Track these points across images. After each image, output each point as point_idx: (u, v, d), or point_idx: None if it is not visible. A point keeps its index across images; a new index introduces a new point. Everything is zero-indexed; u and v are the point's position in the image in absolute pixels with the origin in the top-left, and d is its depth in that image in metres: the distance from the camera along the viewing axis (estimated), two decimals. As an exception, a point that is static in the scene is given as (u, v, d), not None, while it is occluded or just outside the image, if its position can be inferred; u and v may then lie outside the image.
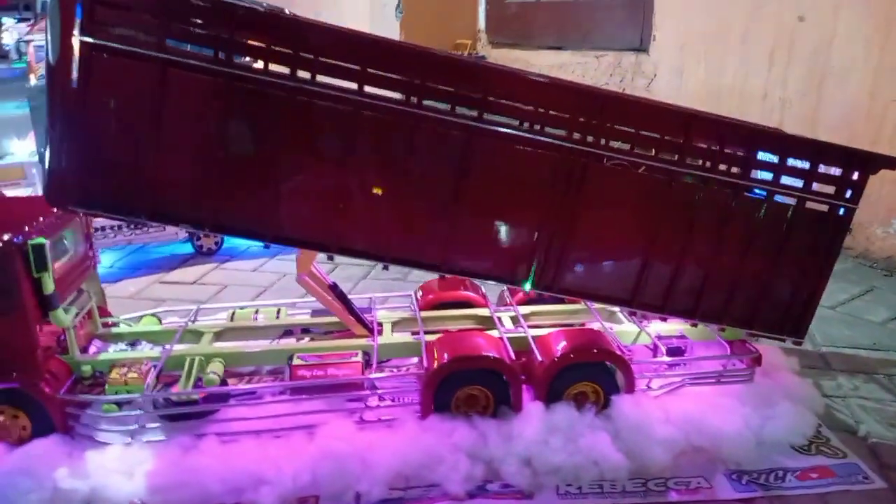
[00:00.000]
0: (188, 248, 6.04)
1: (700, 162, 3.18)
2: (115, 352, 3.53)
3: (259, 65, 2.86)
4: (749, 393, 3.42)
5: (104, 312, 3.85)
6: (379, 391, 3.37)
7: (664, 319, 3.57)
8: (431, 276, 3.98)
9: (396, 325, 3.84)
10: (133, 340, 3.66)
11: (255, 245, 6.33)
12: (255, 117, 2.88)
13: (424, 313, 3.89)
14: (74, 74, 2.69)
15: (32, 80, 17.29)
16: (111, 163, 2.84)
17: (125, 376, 3.29)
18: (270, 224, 3.02)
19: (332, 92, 2.86)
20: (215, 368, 3.38)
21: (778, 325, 3.40)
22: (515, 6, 9.56)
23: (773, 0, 6.10)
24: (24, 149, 6.38)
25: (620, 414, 3.22)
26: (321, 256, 3.24)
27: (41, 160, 5.09)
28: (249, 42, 2.81)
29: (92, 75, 2.70)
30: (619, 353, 3.35)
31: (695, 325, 3.53)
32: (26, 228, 3.06)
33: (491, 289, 4.03)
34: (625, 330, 3.71)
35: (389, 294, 4.32)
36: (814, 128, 5.79)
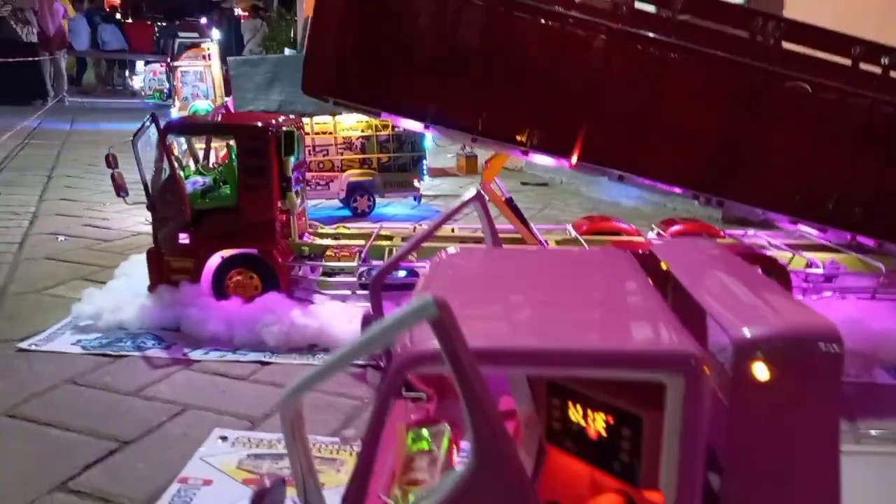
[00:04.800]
0: (345, 212, 6.72)
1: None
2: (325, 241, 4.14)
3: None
4: (905, 307, 3.63)
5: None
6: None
7: (824, 230, 3.81)
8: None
9: (559, 242, 4.27)
10: (336, 237, 4.27)
11: (403, 211, 6.96)
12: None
13: (584, 237, 4.32)
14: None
15: (176, 103, 19.05)
16: (363, 61, 3.49)
17: (338, 255, 3.88)
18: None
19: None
20: (413, 255, 3.91)
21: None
22: None
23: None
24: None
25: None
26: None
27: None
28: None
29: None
30: (776, 260, 3.67)
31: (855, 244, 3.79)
32: (277, 122, 3.76)
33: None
34: (780, 255, 3.99)
35: (546, 227, 4.77)
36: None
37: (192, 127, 3.85)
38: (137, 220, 5.79)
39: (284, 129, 3.70)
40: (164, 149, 3.58)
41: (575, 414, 1.30)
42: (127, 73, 27.78)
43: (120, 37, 24.33)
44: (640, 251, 1.78)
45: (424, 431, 1.56)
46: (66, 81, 17.91)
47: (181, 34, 23.30)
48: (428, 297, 0.96)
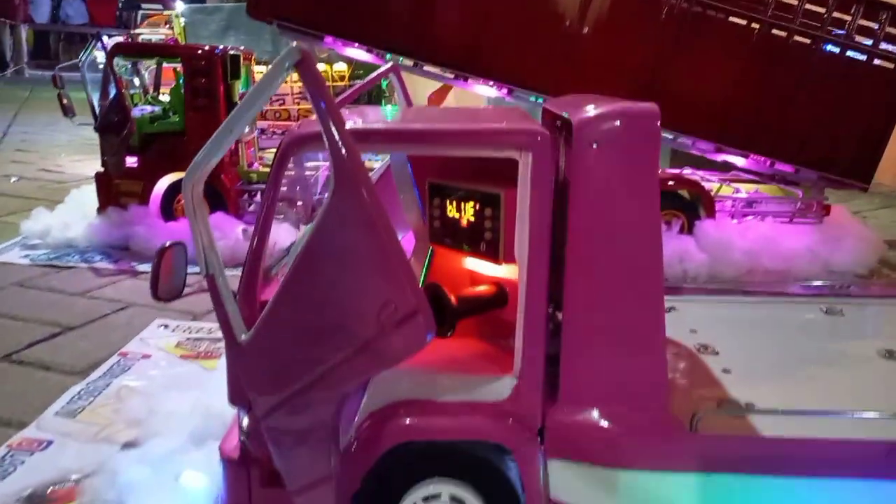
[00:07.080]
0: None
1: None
2: (274, 169, 4.26)
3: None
4: (819, 229, 3.87)
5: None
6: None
7: (745, 156, 4.01)
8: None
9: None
10: (286, 167, 4.38)
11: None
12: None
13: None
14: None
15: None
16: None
17: (286, 180, 4.00)
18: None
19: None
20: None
21: (848, 170, 3.86)
22: None
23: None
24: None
25: (703, 231, 3.72)
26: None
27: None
28: None
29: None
30: (700, 183, 3.88)
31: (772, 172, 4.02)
32: (224, 48, 3.85)
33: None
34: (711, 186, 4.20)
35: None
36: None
37: (139, 49, 3.92)
38: (94, 166, 5.83)
39: (231, 53, 3.80)
40: (110, 70, 3.66)
41: (451, 209, 1.46)
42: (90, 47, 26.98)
43: (83, 11, 23.78)
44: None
45: None
46: (27, 54, 17.54)
47: (144, 6, 22.92)
48: (293, 45, 1.12)
